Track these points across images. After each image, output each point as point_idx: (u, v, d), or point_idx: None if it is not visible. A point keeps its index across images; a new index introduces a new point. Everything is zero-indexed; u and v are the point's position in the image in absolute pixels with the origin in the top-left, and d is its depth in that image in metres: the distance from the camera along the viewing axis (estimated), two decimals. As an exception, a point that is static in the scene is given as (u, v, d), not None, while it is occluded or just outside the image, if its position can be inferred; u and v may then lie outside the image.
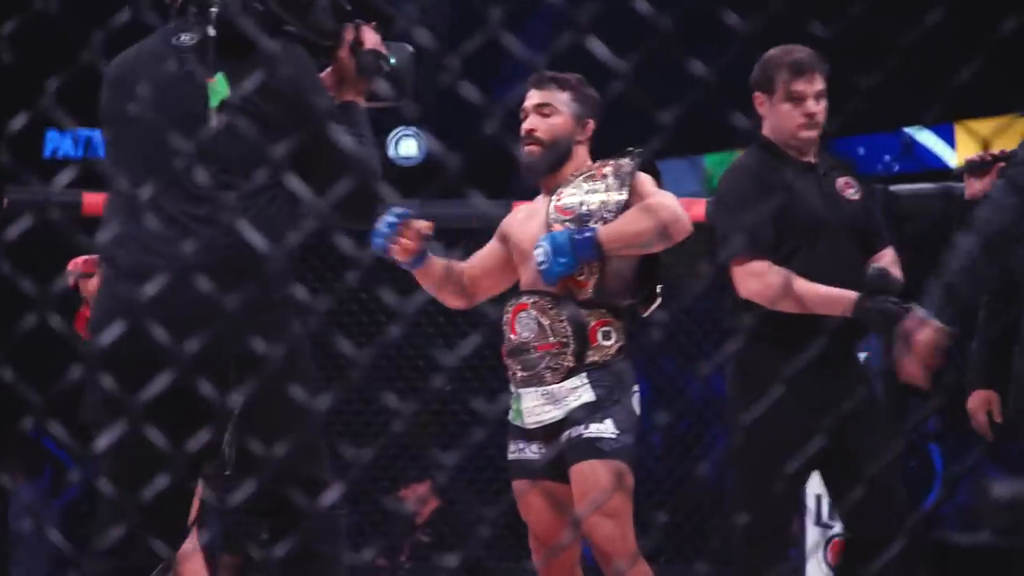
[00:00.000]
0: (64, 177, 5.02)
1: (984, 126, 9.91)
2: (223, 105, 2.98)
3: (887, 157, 10.49)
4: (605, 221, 3.99)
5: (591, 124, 4.16)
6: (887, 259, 4.18)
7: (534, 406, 4.02)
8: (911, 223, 6.05)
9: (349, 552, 3.14)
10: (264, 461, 2.93)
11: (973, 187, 4.55)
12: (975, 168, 4.55)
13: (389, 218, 4.05)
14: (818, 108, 4.11)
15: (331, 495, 3.06)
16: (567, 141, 4.12)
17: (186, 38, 3.07)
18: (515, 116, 4.18)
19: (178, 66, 3.04)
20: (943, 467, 7.60)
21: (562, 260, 3.93)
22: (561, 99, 4.14)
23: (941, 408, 7.26)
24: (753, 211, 4.07)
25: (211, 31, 3.01)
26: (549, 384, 3.99)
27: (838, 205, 4.17)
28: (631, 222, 3.96)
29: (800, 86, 4.11)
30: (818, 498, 6.06)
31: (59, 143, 12.76)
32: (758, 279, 4.01)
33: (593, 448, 3.90)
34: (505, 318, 4.11)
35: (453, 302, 4.27)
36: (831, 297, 3.99)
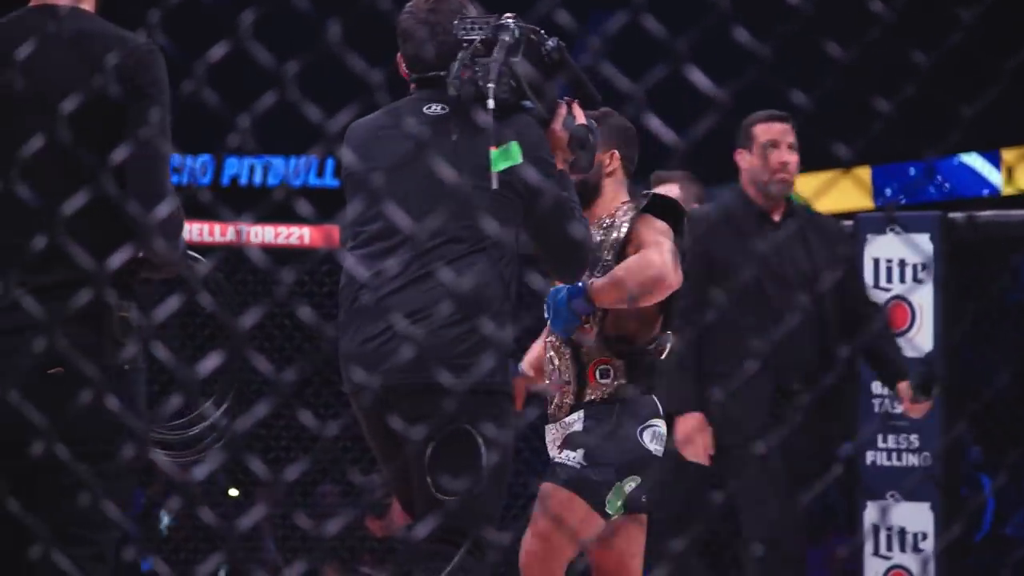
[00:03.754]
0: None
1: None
2: (507, 171, 3.40)
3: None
4: (604, 264, 3.97)
5: (615, 155, 4.09)
6: None
7: (551, 440, 4.08)
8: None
9: None
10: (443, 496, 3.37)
11: None
12: None
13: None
14: None
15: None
16: (594, 174, 4.04)
17: (437, 108, 3.48)
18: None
19: (431, 133, 3.46)
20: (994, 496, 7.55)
21: (563, 316, 3.92)
22: None
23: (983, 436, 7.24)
24: None
25: (491, 104, 3.40)
26: (559, 420, 4.05)
27: None
28: (616, 279, 3.91)
29: None
30: (875, 528, 6.02)
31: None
32: None
33: (554, 472, 3.96)
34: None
35: None
36: None
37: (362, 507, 7.56)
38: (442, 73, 3.49)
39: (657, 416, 3.98)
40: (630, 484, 3.92)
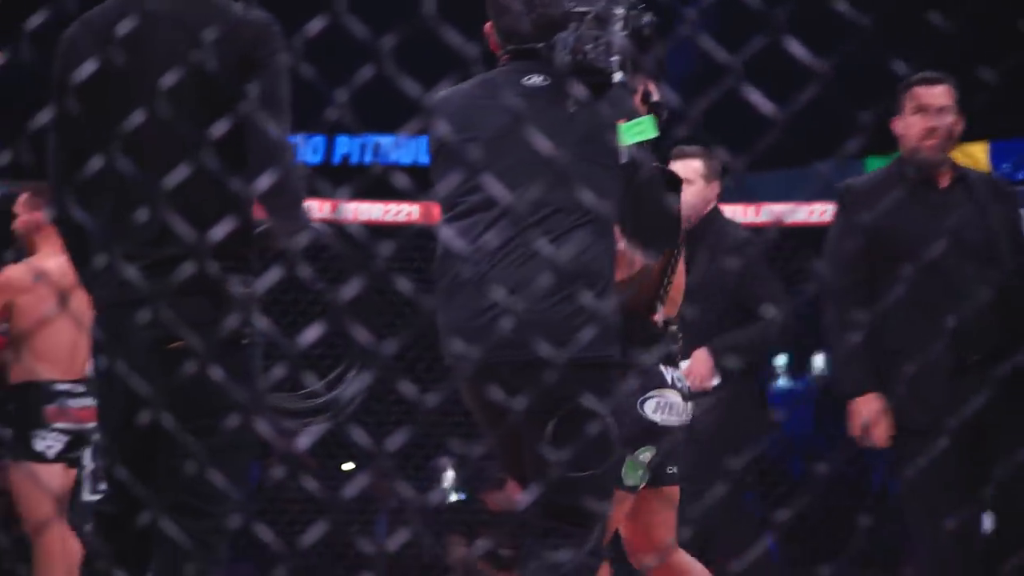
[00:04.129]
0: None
1: None
2: (639, 145, 3.39)
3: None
4: None
5: None
6: None
7: None
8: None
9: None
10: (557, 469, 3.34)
11: None
12: None
13: None
14: None
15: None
16: None
17: (537, 80, 3.47)
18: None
19: (532, 104, 3.43)
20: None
21: None
22: None
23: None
24: None
25: (617, 78, 3.42)
26: None
27: None
28: None
29: None
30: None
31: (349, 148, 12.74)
32: None
33: None
34: None
35: None
36: None
37: (477, 481, 7.59)
38: (539, 45, 3.48)
39: (663, 386, 3.92)
40: (645, 454, 3.88)
